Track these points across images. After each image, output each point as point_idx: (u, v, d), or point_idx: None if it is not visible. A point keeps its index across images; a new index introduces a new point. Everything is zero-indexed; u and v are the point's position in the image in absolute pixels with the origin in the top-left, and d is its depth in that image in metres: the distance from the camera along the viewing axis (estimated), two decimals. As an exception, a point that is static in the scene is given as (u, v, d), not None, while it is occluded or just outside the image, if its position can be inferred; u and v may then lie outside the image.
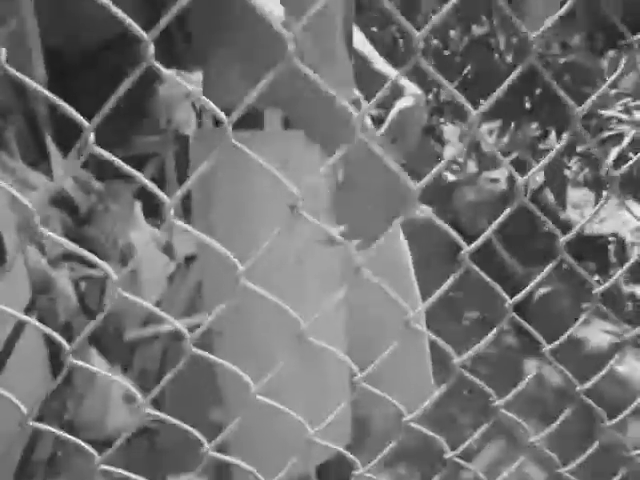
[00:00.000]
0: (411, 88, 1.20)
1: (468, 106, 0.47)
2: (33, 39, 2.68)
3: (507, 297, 0.56)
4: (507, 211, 0.52)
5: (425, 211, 0.44)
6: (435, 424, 1.33)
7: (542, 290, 2.73)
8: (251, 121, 1.01)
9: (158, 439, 1.96)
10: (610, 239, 3.57)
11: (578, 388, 0.66)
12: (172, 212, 0.44)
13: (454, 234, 0.49)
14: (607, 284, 0.63)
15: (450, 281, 0.50)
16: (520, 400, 2.31)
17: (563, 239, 0.56)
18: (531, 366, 2.39)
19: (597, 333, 2.70)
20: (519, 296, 0.55)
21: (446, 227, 0.48)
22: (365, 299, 1.15)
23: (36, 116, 2.58)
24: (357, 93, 1.20)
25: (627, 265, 0.66)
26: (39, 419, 1.97)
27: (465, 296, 2.90)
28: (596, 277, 3.21)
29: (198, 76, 3.35)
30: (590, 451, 0.70)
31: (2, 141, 2.24)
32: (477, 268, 0.50)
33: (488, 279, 0.52)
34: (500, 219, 0.51)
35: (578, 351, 2.51)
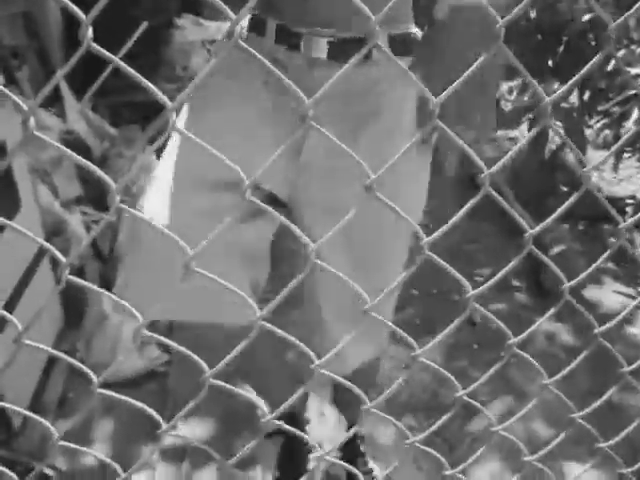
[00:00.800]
0: None
1: (493, 12, 0.44)
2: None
3: (528, 228, 0.53)
4: (533, 132, 0.49)
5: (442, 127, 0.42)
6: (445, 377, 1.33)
7: (556, 249, 2.70)
8: (256, 27, 1.11)
9: (168, 382, 1.98)
10: (628, 201, 3.52)
11: (596, 330, 0.64)
12: (174, 116, 0.41)
13: (474, 155, 0.46)
14: (628, 222, 0.60)
15: (469, 205, 0.47)
16: (531, 355, 2.30)
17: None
18: (543, 325, 2.37)
19: (610, 295, 2.68)
20: (539, 228, 0.53)
21: (465, 147, 0.45)
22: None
23: (50, 58, 2.55)
24: (414, 28, 1.17)
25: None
26: (50, 360, 1.99)
27: (478, 251, 2.88)
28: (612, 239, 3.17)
29: (216, 23, 3.24)
30: (605, 397, 0.68)
31: (15, 82, 2.21)
32: (495, 194, 0.47)
33: (506, 205, 0.49)
34: (527, 138, 0.49)
35: (591, 313, 2.49)
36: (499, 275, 0.53)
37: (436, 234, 0.48)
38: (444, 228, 0.48)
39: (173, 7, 3.06)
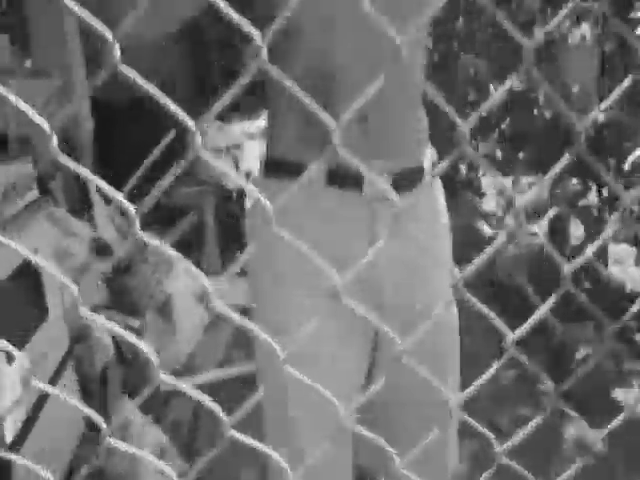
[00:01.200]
0: None
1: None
2: (81, 90, 2.77)
3: (551, 388, 0.54)
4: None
5: (470, 299, 0.43)
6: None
7: (582, 352, 2.67)
8: (298, 171, 1.02)
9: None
10: (653, 298, 3.49)
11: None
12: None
13: (500, 323, 0.48)
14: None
15: (494, 369, 0.48)
16: (559, 462, 2.23)
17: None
18: (572, 431, 2.31)
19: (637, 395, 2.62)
20: (568, 382, 0.54)
21: (492, 316, 0.47)
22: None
23: (82, 166, 2.65)
24: (431, 152, 1.15)
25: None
26: (71, 467, 1.97)
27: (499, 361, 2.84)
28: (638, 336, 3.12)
29: (239, 127, 3.35)
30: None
31: (50, 191, 2.30)
32: (523, 359, 0.48)
33: (533, 369, 0.50)
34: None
35: (619, 416, 2.43)
36: (523, 433, 0.54)
37: (465, 395, 0.49)
38: (472, 389, 0.50)
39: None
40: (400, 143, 1.04)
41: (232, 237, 3.01)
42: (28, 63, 2.91)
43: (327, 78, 0.99)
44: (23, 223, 1.68)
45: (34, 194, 1.77)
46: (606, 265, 3.57)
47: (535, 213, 3.71)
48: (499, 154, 4.82)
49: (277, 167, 1.04)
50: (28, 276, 1.75)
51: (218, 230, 2.88)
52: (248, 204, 1.12)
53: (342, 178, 1.01)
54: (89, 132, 2.68)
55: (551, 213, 3.63)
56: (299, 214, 1.02)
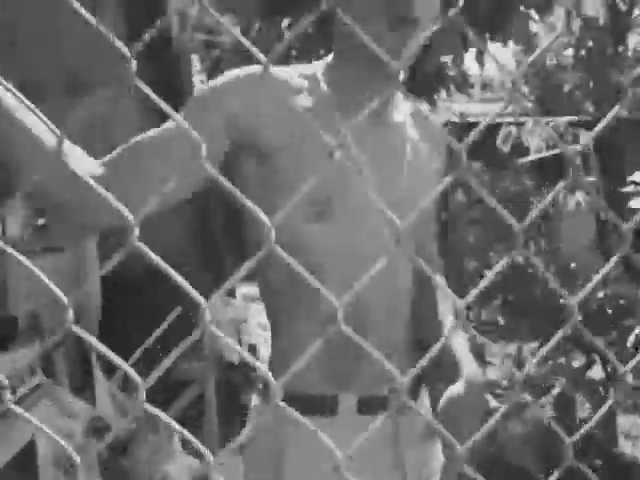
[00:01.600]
0: (470, 367, 1.02)
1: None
2: (92, 267, 2.84)
3: None
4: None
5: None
6: None
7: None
8: (325, 406, 1.00)
9: None
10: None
11: None
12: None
13: None
14: None
15: None
16: None
17: None
18: None
19: None
20: None
21: None
22: None
23: (84, 341, 2.66)
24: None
25: None
26: None
27: None
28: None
29: (241, 291, 3.41)
30: None
31: (52, 369, 2.30)
32: None
33: None
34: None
35: None
36: None
37: None
38: None
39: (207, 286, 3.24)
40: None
41: (232, 412, 2.96)
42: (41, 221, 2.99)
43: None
44: (25, 409, 1.67)
45: (38, 379, 1.77)
46: (615, 445, 3.47)
47: (542, 386, 3.66)
48: (501, 321, 4.82)
49: (299, 402, 0.95)
50: (25, 464, 1.71)
51: (218, 405, 2.83)
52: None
53: (371, 404, 1.02)
54: (97, 309, 2.72)
55: (557, 387, 3.58)
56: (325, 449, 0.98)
